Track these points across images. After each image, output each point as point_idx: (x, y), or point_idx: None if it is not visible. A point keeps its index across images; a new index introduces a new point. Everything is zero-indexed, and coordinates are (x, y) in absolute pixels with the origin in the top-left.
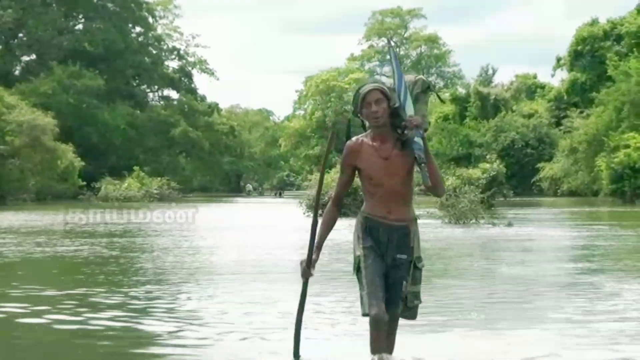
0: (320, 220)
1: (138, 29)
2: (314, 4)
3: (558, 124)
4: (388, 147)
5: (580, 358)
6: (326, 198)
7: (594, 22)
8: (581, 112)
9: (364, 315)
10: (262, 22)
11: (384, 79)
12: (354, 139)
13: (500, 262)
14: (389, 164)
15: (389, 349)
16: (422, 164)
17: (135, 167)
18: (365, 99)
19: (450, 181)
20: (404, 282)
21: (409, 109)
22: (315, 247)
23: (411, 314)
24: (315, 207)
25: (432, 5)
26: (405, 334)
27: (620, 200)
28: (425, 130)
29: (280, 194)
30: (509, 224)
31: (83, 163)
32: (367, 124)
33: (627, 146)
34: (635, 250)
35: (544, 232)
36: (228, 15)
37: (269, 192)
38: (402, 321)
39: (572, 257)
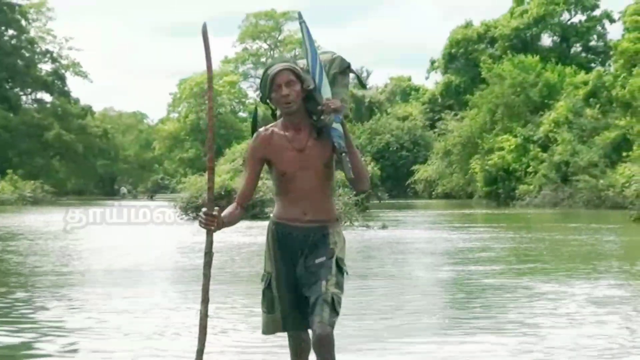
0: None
1: (11, 31)
2: (188, 7)
3: (433, 126)
4: (302, 137)
5: None
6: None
7: (468, 24)
8: (455, 115)
9: (265, 334)
10: (135, 25)
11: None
12: (262, 129)
13: (385, 264)
14: (304, 156)
15: None
16: (343, 154)
17: (8, 171)
18: (274, 80)
19: None
20: (324, 282)
21: (326, 92)
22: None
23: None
24: (209, 193)
25: (306, 8)
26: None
27: (494, 202)
28: (346, 116)
29: (152, 197)
30: (383, 227)
31: None
32: (278, 112)
33: (501, 148)
34: (524, 252)
35: (419, 235)
36: (101, 18)
37: (143, 195)
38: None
39: (457, 259)
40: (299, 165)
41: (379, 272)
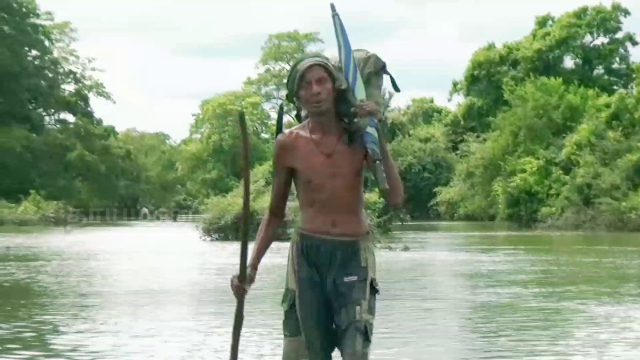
0: (257, 237)
1: (34, 52)
2: (210, 28)
3: (455, 148)
4: (332, 141)
5: None
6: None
7: (491, 46)
8: (478, 137)
9: None
10: (157, 46)
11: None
12: (286, 131)
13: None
14: (332, 162)
15: None
16: (377, 161)
17: (31, 191)
18: (303, 77)
19: None
20: (358, 307)
21: (360, 93)
22: (250, 262)
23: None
24: (244, 217)
25: (329, 29)
26: None
27: (516, 224)
28: (380, 120)
29: (174, 218)
30: (405, 249)
31: None
32: (303, 113)
33: (523, 170)
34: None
35: (446, 257)
36: (124, 38)
37: (165, 216)
38: None
39: (494, 282)
40: (327, 172)
41: (422, 294)
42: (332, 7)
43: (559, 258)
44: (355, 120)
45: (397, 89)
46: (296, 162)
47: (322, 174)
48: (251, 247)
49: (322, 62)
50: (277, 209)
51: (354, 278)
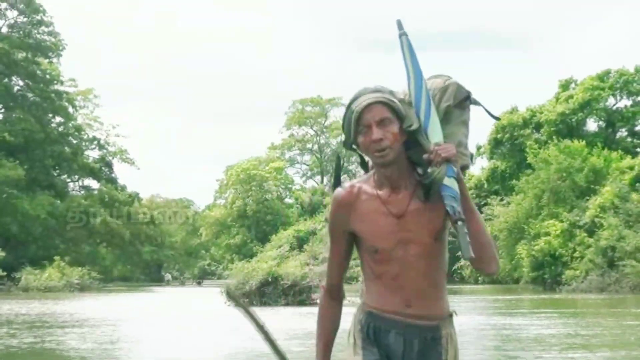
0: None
1: (58, 118)
2: (234, 93)
3: (479, 211)
4: (403, 198)
5: None
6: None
7: (514, 110)
8: (501, 200)
9: None
10: (182, 111)
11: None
12: (347, 185)
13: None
14: (404, 225)
15: None
16: (459, 222)
17: (55, 257)
18: (361, 119)
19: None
20: None
21: (435, 133)
22: None
23: None
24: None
25: (352, 94)
26: None
27: (540, 287)
28: (465, 167)
29: (199, 283)
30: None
31: (3, 253)
32: (368, 160)
33: (547, 234)
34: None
35: (485, 321)
36: (148, 103)
37: (190, 282)
38: None
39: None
40: (397, 237)
41: None
42: (399, 24)
43: (613, 320)
44: (429, 170)
45: (495, 118)
46: (358, 225)
47: (392, 241)
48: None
49: (383, 98)
50: (336, 289)
51: None
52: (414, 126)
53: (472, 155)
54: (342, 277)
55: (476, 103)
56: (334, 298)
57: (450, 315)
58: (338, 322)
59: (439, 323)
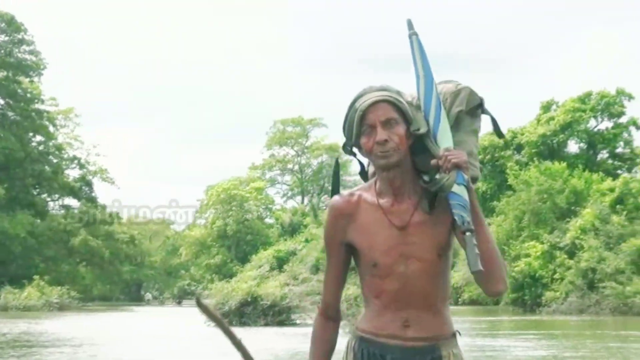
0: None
1: (39, 137)
2: (214, 113)
3: None
4: (406, 208)
5: None
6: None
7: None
8: None
9: None
10: (161, 131)
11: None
12: (345, 193)
13: None
14: (407, 238)
15: None
16: (467, 233)
17: (35, 276)
18: (365, 118)
19: (351, 290)
20: None
21: (444, 138)
22: None
23: None
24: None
25: (333, 114)
26: None
27: (521, 309)
28: (475, 178)
29: (179, 303)
30: None
31: None
32: (371, 168)
33: (528, 255)
34: None
35: (480, 343)
36: (128, 123)
37: (169, 301)
38: None
39: None
40: (399, 251)
41: None
42: (409, 24)
43: (584, 342)
44: (438, 176)
45: (500, 135)
46: (357, 236)
47: (393, 255)
48: None
49: (390, 97)
50: (332, 310)
51: None
52: (422, 130)
53: (481, 168)
54: (339, 296)
55: (487, 113)
56: (330, 318)
57: (454, 335)
58: (334, 344)
59: (439, 343)
